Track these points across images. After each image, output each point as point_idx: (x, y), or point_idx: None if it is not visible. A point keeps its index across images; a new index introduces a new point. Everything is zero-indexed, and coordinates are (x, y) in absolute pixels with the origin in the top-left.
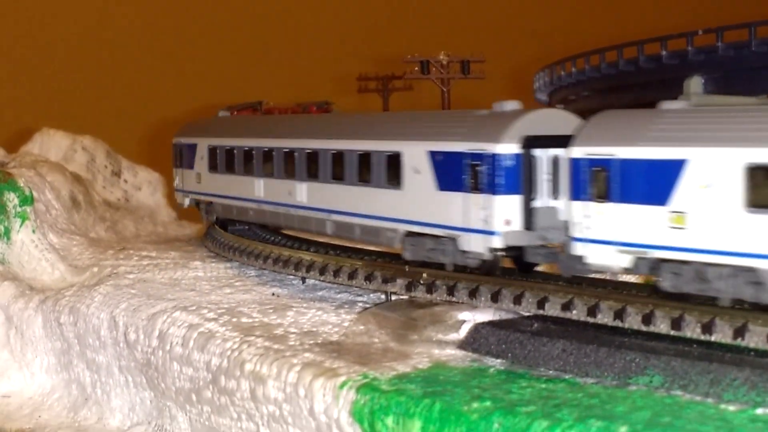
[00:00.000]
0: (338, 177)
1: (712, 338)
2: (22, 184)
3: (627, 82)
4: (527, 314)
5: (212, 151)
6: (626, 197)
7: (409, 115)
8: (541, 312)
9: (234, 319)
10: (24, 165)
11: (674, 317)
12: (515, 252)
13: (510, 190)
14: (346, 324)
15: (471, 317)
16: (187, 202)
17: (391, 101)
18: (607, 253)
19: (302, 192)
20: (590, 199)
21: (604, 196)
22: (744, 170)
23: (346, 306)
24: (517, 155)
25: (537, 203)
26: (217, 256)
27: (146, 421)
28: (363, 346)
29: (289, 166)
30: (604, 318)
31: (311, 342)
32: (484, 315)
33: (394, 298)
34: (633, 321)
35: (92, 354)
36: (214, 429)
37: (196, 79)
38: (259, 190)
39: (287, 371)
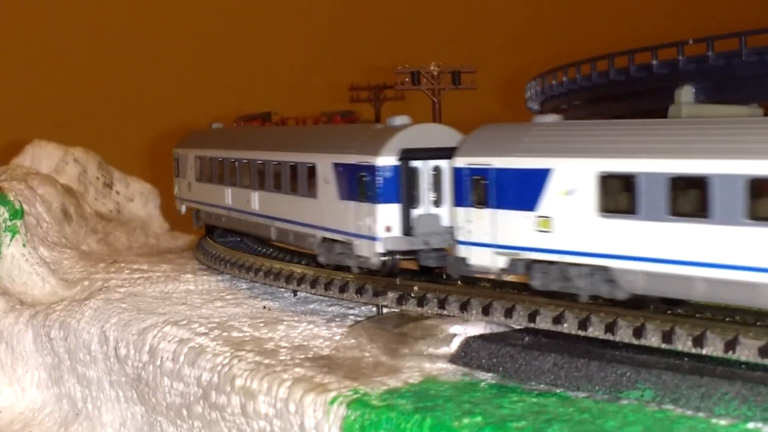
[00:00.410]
0: (278, 187)
1: (703, 351)
2: (12, 198)
3: (618, 91)
4: (518, 327)
5: (198, 161)
6: (501, 203)
7: (326, 129)
8: (532, 325)
9: (225, 334)
10: (15, 178)
11: (665, 330)
12: (411, 256)
13: (389, 199)
14: (337, 338)
15: (462, 331)
16: (183, 208)
17: (383, 111)
18: (487, 255)
19: (255, 200)
20: (471, 206)
21: (482, 203)
22: (596, 178)
23: (338, 319)
24: (395, 167)
25: (418, 211)
26: (208, 268)
27: None
28: (354, 361)
29: (246, 176)
30: (595, 331)
31: (302, 356)
32: (475, 328)
33: (385, 311)
34: (624, 334)
35: (83, 369)
36: None
37: (189, 89)
38: (228, 198)
39: (278, 386)
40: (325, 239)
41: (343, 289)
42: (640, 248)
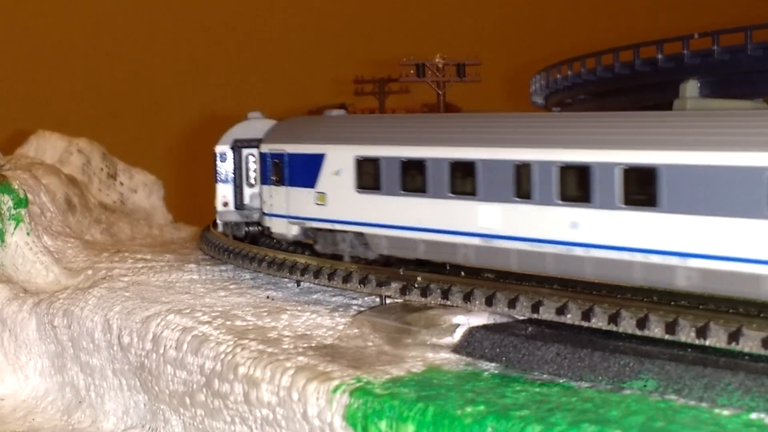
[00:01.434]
0: None
1: (707, 342)
2: (16, 187)
3: (623, 86)
4: (522, 318)
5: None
6: (292, 182)
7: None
8: (535, 316)
9: (228, 322)
10: (19, 167)
11: (669, 321)
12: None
13: (225, 179)
14: (340, 327)
15: (465, 321)
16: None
17: (387, 104)
18: (283, 225)
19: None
20: (272, 184)
21: (279, 181)
22: (354, 162)
23: (341, 309)
24: (235, 152)
25: (249, 190)
26: (212, 258)
27: (140, 425)
28: (357, 350)
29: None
30: (599, 322)
31: (305, 345)
32: (479, 319)
33: (388, 301)
34: (627, 325)
35: (86, 357)
36: None
37: (193, 82)
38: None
39: (281, 375)
40: None
41: (346, 280)
42: (383, 218)
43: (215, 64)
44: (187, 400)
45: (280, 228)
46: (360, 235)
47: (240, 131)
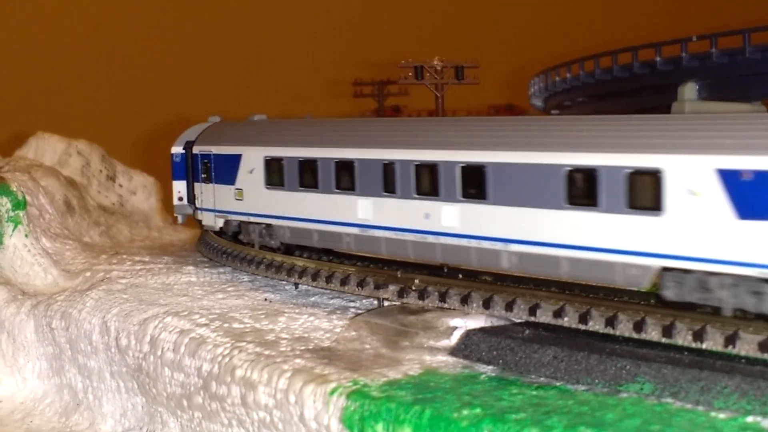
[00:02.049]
0: None
1: (703, 346)
2: (14, 189)
3: (621, 88)
4: (519, 321)
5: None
6: (218, 179)
7: None
8: (532, 319)
9: (225, 325)
10: (18, 169)
11: (665, 324)
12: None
13: (179, 177)
14: (337, 330)
15: (462, 324)
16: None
17: (386, 106)
18: (211, 218)
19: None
20: (202, 181)
21: (208, 179)
22: (264, 161)
23: (339, 312)
24: (182, 154)
25: (197, 186)
26: (210, 261)
27: (138, 427)
28: (354, 353)
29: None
30: (596, 325)
31: (302, 348)
32: (476, 321)
33: (386, 304)
34: (624, 328)
35: (84, 359)
36: None
37: (193, 85)
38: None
39: (278, 377)
40: None
41: (344, 282)
42: (286, 211)
43: (215, 66)
44: (185, 403)
45: (209, 221)
46: (269, 226)
47: (193, 133)
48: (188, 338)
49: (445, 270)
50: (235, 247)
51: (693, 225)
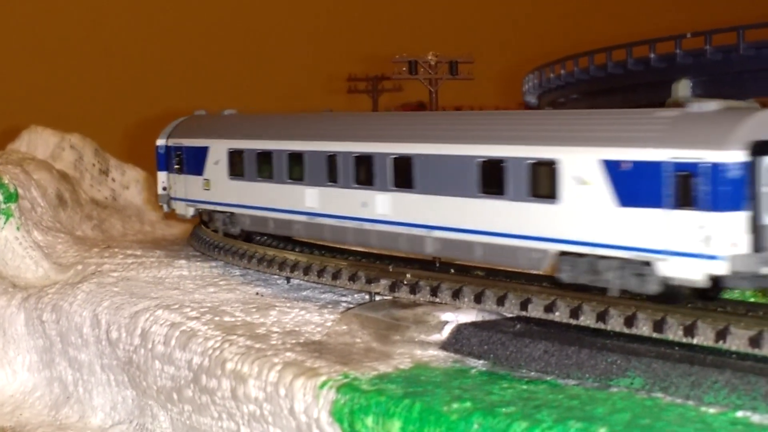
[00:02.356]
0: None
1: (694, 341)
2: (6, 182)
3: (615, 85)
4: (510, 315)
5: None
6: (188, 170)
7: None
8: (524, 313)
9: (216, 318)
10: (10, 162)
11: (656, 320)
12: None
13: (162, 168)
14: (329, 324)
15: (454, 318)
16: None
17: (381, 102)
18: (183, 207)
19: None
20: (175, 172)
21: (180, 170)
22: (227, 153)
23: (330, 306)
24: (165, 146)
25: (171, 177)
26: (202, 255)
27: (128, 420)
28: (345, 346)
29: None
30: (587, 320)
31: (293, 341)
32: (467, 316)
33: (377, 298)
34: (615, 323)
35: (74, 352)
36: (195, 428)
37: (188, 80)
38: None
39: (268, 370)
40: None
41: (336, 276)
42: (246, 200)
43: (210, 61)
44: (175, 396)
45: (181, 209)
46: (232, 214)
47: (172, 129)
48: (179, 331)
49: (437, 264)
50: (227, 241)
51: (584, 212)
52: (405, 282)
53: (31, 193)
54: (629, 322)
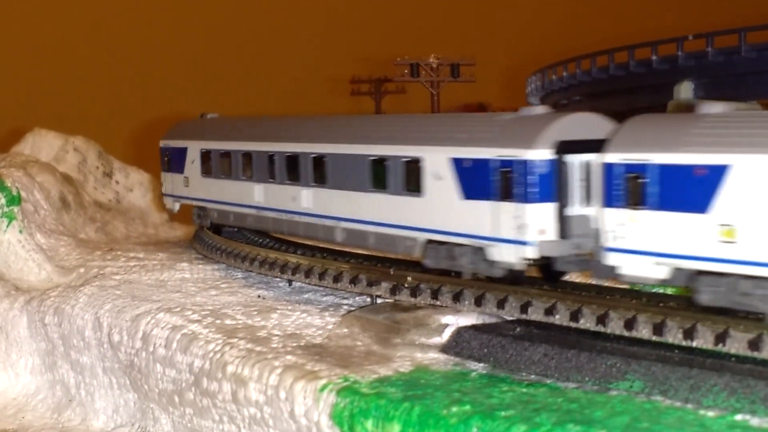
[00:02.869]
0: None
1: (694, 344)
2: (9, 184)
3: (618, 87)
4: (510, 318)
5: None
6: (173, 169)
7: None
8: (524, 316)
9: (218, 321)
10: (13, 165)
11: (656, 322)
12: None
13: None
14: (330, 327)
15: (454, 321)
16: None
17: (383, 104)
18: (170, 201)
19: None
20: (165, 170)
21: (168, 169)
22: (200, 153)
23: (331, 309)
24: (161, 148)
25: (162, 175)
26: (204, 258)
27: (130, 423)
28: (345, 349)
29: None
30: (587, 323)
31: (294, 344)
32: (468, 319)
33: (378, 301)
34: (615, 326)
35: (76, 355)
36: (197, 431)
37: (191, 82)
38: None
39: (268, 374)
40: None
41: (337, 279)
42: (214, 195)
43: (214, 62)
44: (176, 399)
45: (168, 204)
46: (203, 208)
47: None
48: (180, 334)
49: None
50: (230, 244)
51: (440, 204)
52: (406, 285)
53: (35, 196)
54: (629, 325)
